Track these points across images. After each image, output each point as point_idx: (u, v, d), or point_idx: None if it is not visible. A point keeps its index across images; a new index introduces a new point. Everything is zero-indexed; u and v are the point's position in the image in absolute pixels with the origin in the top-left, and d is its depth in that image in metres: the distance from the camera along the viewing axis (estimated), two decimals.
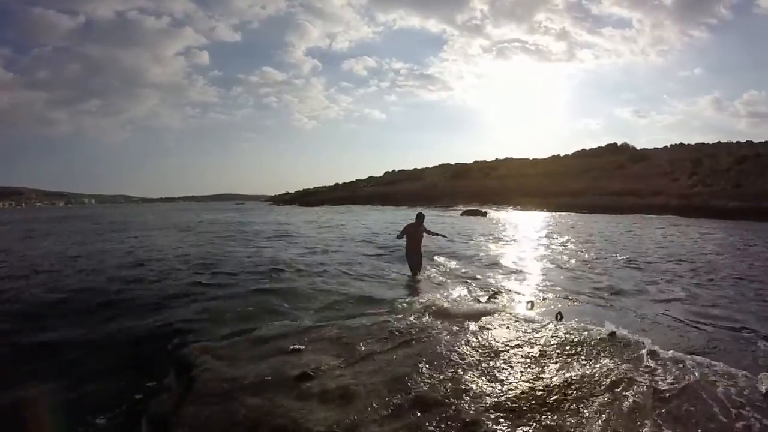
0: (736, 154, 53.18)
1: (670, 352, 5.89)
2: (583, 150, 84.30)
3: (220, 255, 16.14)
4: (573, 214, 40.98)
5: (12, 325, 8.57)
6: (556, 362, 5.78)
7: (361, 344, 6.29)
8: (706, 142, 75.57)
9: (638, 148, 76.50)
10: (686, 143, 77.97)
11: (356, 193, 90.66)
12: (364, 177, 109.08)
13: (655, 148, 74.94)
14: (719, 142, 74.24)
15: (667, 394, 4.85)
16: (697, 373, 5.28)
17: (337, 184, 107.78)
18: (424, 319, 7.53)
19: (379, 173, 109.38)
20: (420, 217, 11.90)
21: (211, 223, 36.80)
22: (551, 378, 5.31)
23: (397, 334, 6.76)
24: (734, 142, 72.37)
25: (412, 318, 7.59)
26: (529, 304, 8.58)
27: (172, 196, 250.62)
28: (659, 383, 5.06)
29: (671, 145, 78.53)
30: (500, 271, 13.16)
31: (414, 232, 11.68)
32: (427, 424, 4.30)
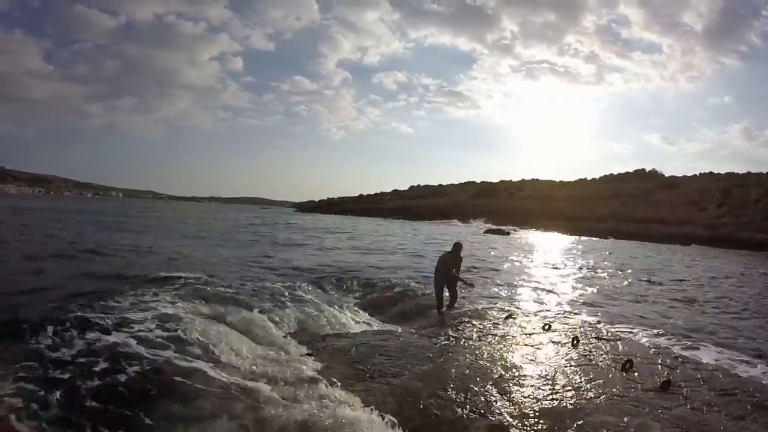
0: (766, 186, 52.37)
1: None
2: (611, 174, 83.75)
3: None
4: (597, 239, 40.75)
5: None
6: (566, 386, 5.77)
7: (374, 360, 6.30)
8: (735, 172, 74.31)
9: (666, 175, 75.79)
10: (715, 172, 76.86)
11: (380, 205, 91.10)
12: (389, 190, 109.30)
13: (684, 176, 73.84)
14: (749, 172, 72.70)
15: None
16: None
17: (361, 195, 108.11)
18: (439, 338, 7.63)
19: (404, 187, 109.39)
20: (457, 247, 10.19)
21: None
22: (557, 401, 5.36)
23: (412, 351, 6.84)
24: (765, 172, 71.03)
25: (427, 336, 7.74)
26: (547, 326, 8.46)
27: (198, 196, 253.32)
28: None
29: (700, 173, 77.40)
30: (519, 291, 13.11)
31: (448, 265, 9.94)
32: None
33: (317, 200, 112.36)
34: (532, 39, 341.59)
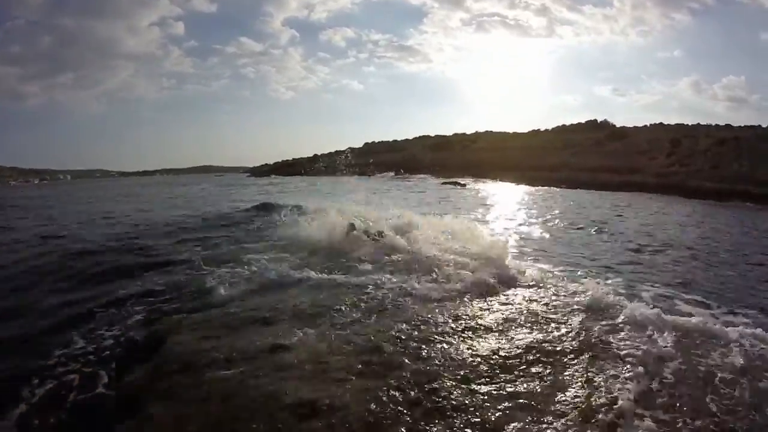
0: (715, 137, 53.34)
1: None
2: (563, 125, 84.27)
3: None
4: (551, 188, 41.10)
5: None
6: (526, 328, 5.95)
7: (335, 314, 6.26)
8: (685, 123, 75.69)
9: (617, 126, 76.67)
10: (666, 123, 78.16)
11: (336, 163, 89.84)
12: (343, 148, 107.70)
13: (635, 127, 74.81)
14: (698, 123, 74.22)
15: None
16: None
17: (316, 155, 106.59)
18: (397, 288, 7.45)
19: (359, 144, 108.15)
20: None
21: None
22: (519, 343, 5.48)
23: (372, 303, 6.77)
24: (713, 124, 72.67)
25: (385, 287, 7.54)
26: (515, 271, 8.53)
27: (149, 169, 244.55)
28: None
29: (651, 124, 78.60)
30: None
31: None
32: (401, 393, 4.35)
33: (272, 163, 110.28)
34: None
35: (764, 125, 60.57)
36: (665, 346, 5.43)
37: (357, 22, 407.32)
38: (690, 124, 74.24)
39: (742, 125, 65.30)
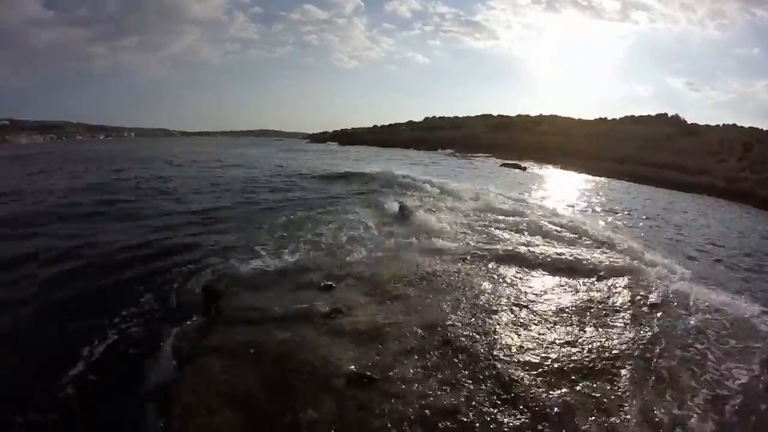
0: None
1: None
2: (632, 116, 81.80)
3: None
4: (613, 180, 40.28)
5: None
6: (592, 320, 5.89)
7: (394, 284, 6.29)
8: (759, 128, 72.29)
9: (689, 122, 73.96)
10: (739, 125, 74.88)
11: (395, 136, 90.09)
12: (403, 121, 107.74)
13: (707, 125, 72.08)
14: None
15: None
16: None
17: (375, 126, 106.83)
18: (459, 265, 7.52)
19: (420, 119, 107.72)
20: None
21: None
22: (583, 334, 5.44)
23: (427, 275, 6.82)
24: None
25: (449, 263, 7.59)
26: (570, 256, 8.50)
27: (210, 131, 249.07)
28: None
29: (723, 124, 75.43)
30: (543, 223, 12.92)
31: None
32: (458, 371, 4.37)
33: (331, 131, 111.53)
34: None
35: None
36: None
37: None
38: (765, 129, 70.98)
39: None
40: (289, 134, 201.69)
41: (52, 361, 5.05)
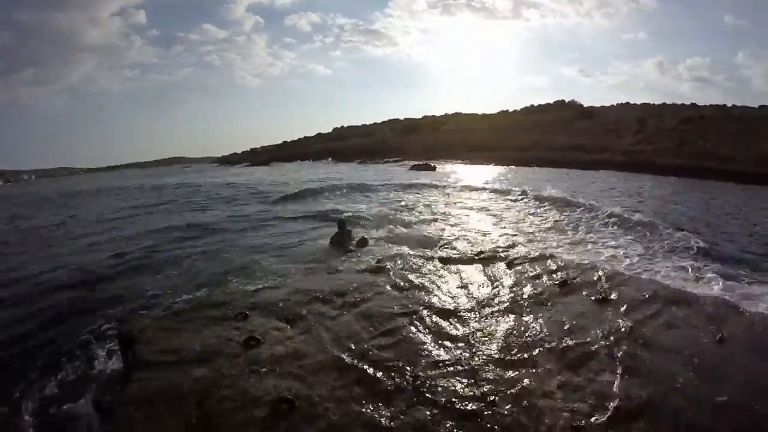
0: (680, 116, 53.93)
1: None
2: (532, 106, 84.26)
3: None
4: (522, 168, 40.99)
5: None
6: (505, 309, 6.28)
7: (307, 306, 6.33)
8: (651, 103, 76.33)
9: (585, 105, 76.90)
10: (632, 103, 78.77)
11: (305, 149, 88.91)
12: (312, 134, 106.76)
13: (602, 107, 75.41)
14: (664, 103, 75.03)
15: None
16: None
17: (285, 142, 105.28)
18: (369, 278, 7.60)
19: (329, 130, 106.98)
20: (341, 224, 10.81)
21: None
22: (498, 327, 5.73)
23: (344, 294, 6.80)
24: (678, 104, 73.46)
25: (356, 277, 7.73)
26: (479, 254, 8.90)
27: (116, 164, 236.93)
28: None
29: (618, 104, 79.21)
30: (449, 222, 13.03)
31: (341, 241, 10.34)
32: (377, 383, 4.45)
33: (240, 152, 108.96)
34: None
35: (729, 104, 61.93)
36: None
37: (322, 6, 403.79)
38: (656, 103, 75.02)
39: (708, 104, 66.33)
40: (198, 160, 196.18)
41: None
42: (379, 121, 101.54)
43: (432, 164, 45.14)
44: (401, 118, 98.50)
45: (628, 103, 77.85)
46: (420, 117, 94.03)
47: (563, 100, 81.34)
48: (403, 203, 17.36)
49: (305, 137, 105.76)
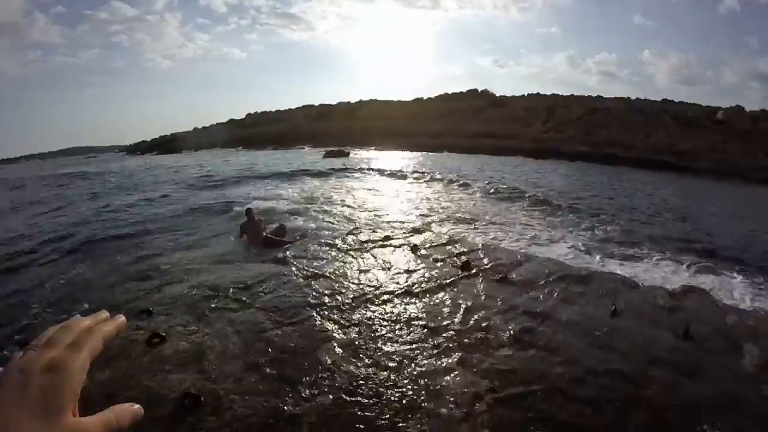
0: (588, 106, 56.65)
1: None
2: (446, 94, 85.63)
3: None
4: (434, 154, 41.40)
5: None
6: (408, 293, 6.36)
7: (213, 300, 6.18)
8: (560, 94, 79.61)
9: (497, 95, 79.04)
10: (542, 93, 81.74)
11: (216, 137, 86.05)
12: (224, 120, 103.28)
13: (513, 96, 77.73)
14: (572, 94, 78.54)
15: None
16: None
17: (197, 128, 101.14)
18: (275, 268, 7.52)
19: (241, 116, 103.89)
20: (249, 212, 10.10)
21: None
22: (401, 310, 5.81)
23: (249, 286, 6.68)
24: (586, 95, 77.06)
25: (262, 267, 7.61)
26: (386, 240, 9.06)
27: (11, 156, 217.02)
28: None
29: (528, 94, 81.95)
30: (360, 208, 13.06)
31: (253, 232, 9.73)
32: (281, 372, 4.44)
33: (149, 140, 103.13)
34: None
35: (633, 98, 65.77)
36: None
37: None
38: (565, 94, 78.25)
39: (614, 96, 70.08)
40: (105, 148, 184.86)
41: None
42: (293, 107, 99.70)
43: (346, 150, 44.79)
44: (316, 104, 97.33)
45: (538, 93, 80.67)
46: (335, 103, 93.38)
47: (476, 89, 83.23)
48: (313, 191, 16.88)
49: (217, 123, 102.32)
